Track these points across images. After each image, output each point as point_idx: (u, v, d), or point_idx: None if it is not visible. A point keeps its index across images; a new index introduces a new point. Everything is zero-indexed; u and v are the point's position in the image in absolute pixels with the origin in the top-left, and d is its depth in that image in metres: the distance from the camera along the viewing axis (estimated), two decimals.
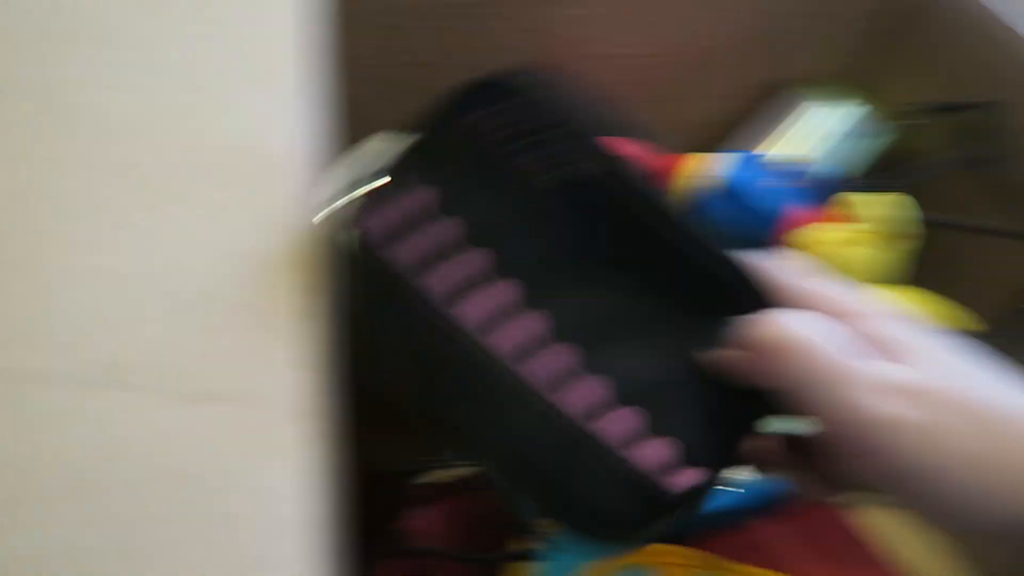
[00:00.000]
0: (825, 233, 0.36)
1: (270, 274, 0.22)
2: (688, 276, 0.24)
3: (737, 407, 0.23)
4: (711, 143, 0.54)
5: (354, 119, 0.47)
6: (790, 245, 0.38)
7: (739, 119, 0.54)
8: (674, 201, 0.26)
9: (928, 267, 0.48)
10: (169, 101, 0.25)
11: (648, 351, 0.24)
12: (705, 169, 0.41)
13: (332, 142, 0.33)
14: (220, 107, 0.26)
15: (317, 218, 0.24)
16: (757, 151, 0.50)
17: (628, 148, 0.40)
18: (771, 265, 0.24)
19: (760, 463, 0.25)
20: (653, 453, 0.23)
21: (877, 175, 0.48)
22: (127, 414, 0.18)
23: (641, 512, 0.23)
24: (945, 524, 0.23)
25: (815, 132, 0.49)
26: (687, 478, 0.23)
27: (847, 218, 0.37)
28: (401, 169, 0.23)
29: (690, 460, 0.23)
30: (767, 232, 0.39)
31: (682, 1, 0.45)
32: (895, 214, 0.36)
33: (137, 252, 0.21)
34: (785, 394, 0.22)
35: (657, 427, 0.23)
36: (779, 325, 0.22)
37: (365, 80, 0.45)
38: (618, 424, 0.23)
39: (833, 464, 0.23)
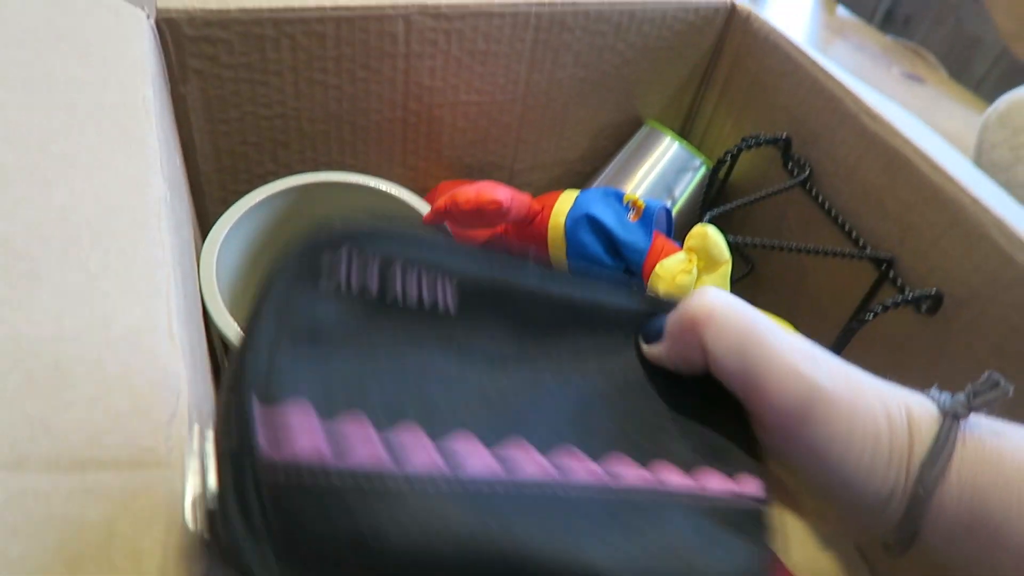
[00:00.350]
0: (666, 264, 0.40)
1: (149, 337, 0.22)
2: (605, 320, 0.25)
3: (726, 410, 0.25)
4: (569, 179, 0.58)
5: (216, 171, 0.46)
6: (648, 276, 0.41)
7: (593, 155, 0.58)
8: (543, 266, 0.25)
9: (770, 288, 0.53)
10: (34, 172, 0.24)
11: (634, 407, 0.24)
12: (571, 207, 0.44)
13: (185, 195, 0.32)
14: (86, 174, 0.26)
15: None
16: (614, 186, 0.54)
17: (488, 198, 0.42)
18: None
19: None
20: (716, 483, 0.23)
21: (710, 205, 0.53)
22: (12, 496, 0.17)
23: (762, 535, 0.23)
24: (840, 499, 0.24)
25: (661, 168, 0.54)
26: (751, 486, 0.23)
27: (683, 248, 0.41)
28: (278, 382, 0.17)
29: (730, 473, 0.23)
30: (633, 263, 0.43)
31: (529, 46, 0.48)
32: (716, 241, 0.40)
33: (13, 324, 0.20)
34: (719, 366, 0.24)
35: (690, 464, 0.23)
36: (704, 295, 0.24)
37: (226, 133, 0.45)
38: (671, 476, 0.22)
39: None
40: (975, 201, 0.38)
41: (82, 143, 0.27)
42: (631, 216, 0.43)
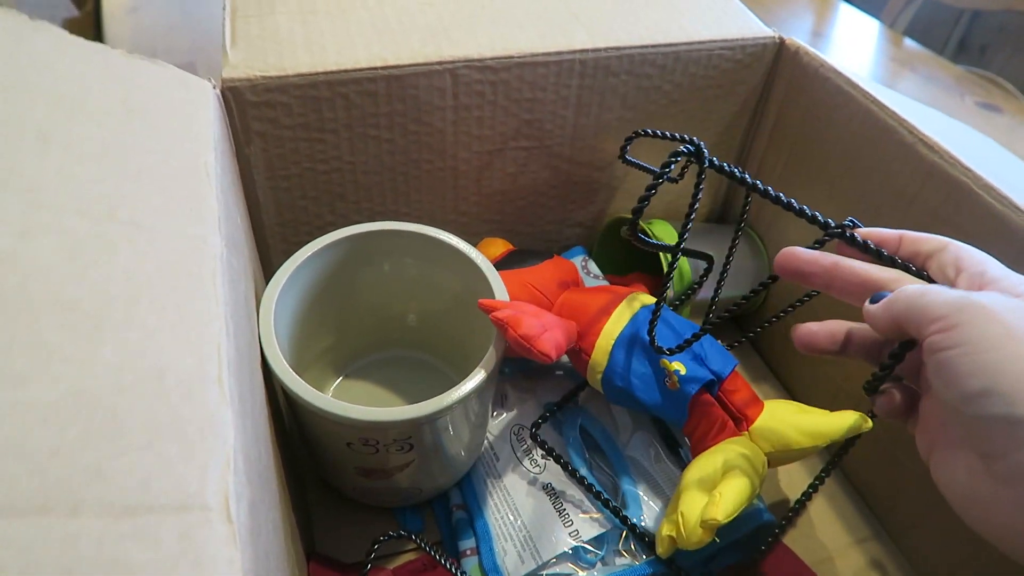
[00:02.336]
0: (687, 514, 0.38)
1: (199, 386, 0.24)
2: None
3: None
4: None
5: (279, 224, 0.49)
6: None
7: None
8: None
9: None
10: (103, 238, 0.27)
11: None
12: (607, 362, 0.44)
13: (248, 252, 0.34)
14: (149, 236, 0.28)
15: None
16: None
17: None
18: None
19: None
20: None
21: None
22: (67, 539, 0.19)
23: None
24: None
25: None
26: None
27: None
28: None
29: None
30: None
31: (575, 92, 0.50)
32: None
33: (77, 380, 0.22)
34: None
35: None
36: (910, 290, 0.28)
37: (286, 189, 0.47)
38: None
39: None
40: None
41: (147, 208, 0.29)
42: (667, 382, 0.42)
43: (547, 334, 0.39)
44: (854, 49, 1.01)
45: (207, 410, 0.23)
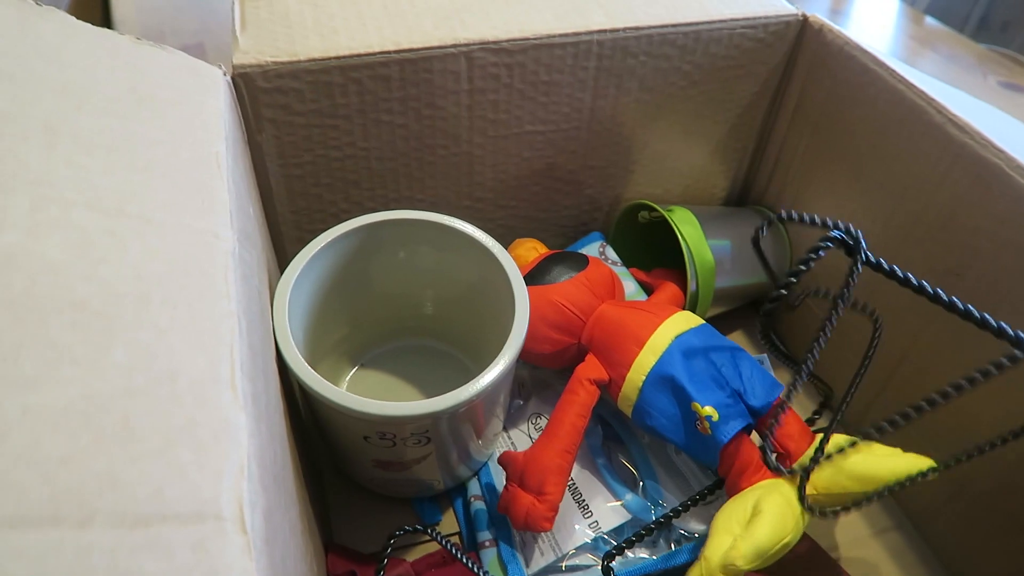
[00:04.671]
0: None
1: (212, 388, 0.23)
2: None
3: None
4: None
5: (292, 213, 0.48)
6: None
7: (661, 179, 0.57)
8: None
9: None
10: (112, 234, 0.26)
11: None
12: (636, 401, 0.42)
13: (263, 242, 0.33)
14: (159, 232, 0.27)
15: None
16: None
17: None
18: None
19: None
20: None
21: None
22: (80, 551, 0.19)
23: None
24: None
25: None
26: None
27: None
28: None
29: None
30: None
31: (592, 74, 0.48)
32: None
33: (87, 383, 0.22)
34: None
35: None
36: None
37: (299, 176, 0.47)
38: None
39: None
40: None
41: (157, 202, 0.29)
42: (698, 426, 0.40)
43: (534, 515, 0.39)
44: (873, 27, 0.98)
45: (221, 414, 0.23)
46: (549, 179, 0.54)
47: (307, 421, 0.45)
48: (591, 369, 0.43)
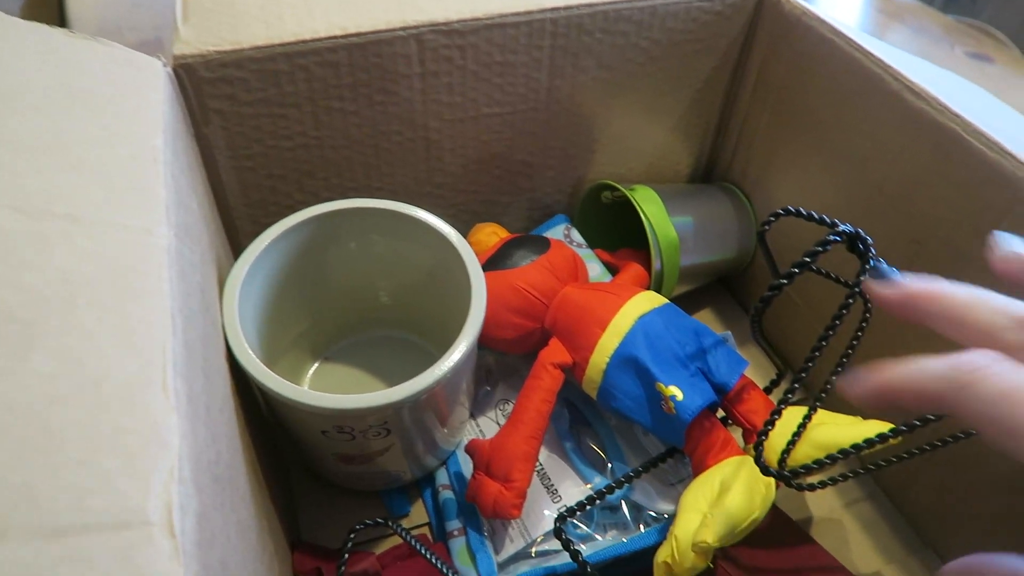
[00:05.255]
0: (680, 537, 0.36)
1: (142, 392, 0.22)
2: None
3: None
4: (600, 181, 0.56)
5: (246, 206, 0.47)
6: None
7: (624, 158, 0.57)
8: None
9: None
10: (38, 235, 0.25)
11: None
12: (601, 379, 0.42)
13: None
14: (88, 232, 0.26)
15: None
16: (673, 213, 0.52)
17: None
18: None
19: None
20: None
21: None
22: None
23: None
24: None
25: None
26: None
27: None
28: None
29: None
30: None
31: (547, 54, 0.47)
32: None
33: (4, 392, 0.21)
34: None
35: None
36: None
37: (251, 168, 0.46)
38: None
39: None
40: None
41: (87, 201, 0.28)
42: (663, 406, 0.39)
43: (501, 503, 0.39)
44: (842, 1, 0.98)
45: (150, 418, 0.22)
46: (510, 162, 0.53)
47: (269, 417, 0.44)
48: (555, 353, 0.43)
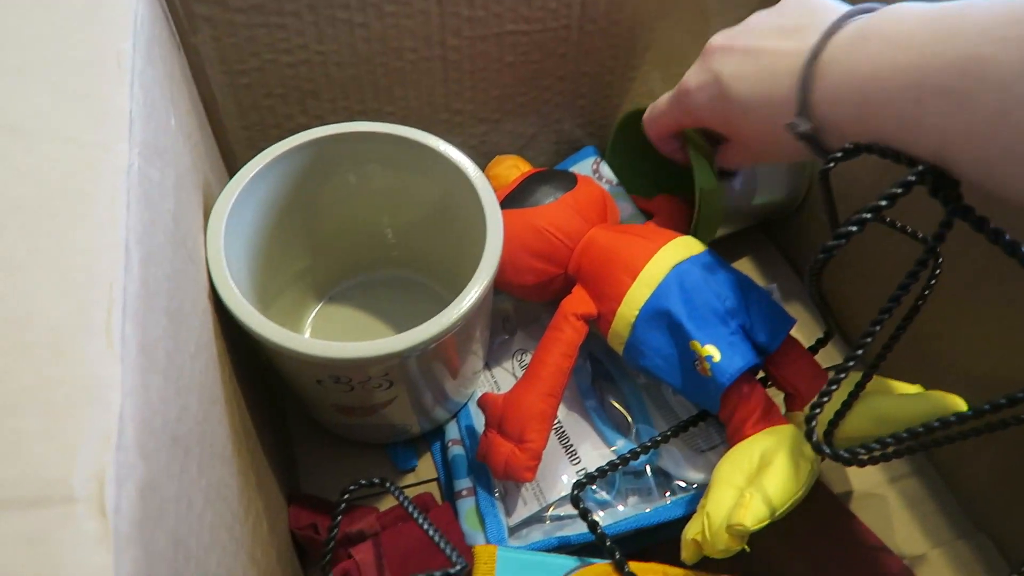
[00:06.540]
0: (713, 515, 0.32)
1: (78, 338, 0.19)
2: None
3: None
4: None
5: (243, 128, 0.43)
6: None
7: (666, 86, 0.51)
8: None
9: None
10: None
11: None
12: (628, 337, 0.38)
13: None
14: (27, 146, 0.22)
15: None
16: None
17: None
18: None
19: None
20: None
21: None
22: None
23: None
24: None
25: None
26: None
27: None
28: None
29: None
30: None
31: None
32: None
33: None
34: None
35: None
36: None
37: (247, 85, 0.41)
38: None
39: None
40: None
41: (30, 110, 0.24)
42: (697, 367, 0.35)
43: (513, 464, 0.36)
44: None
45: (85, 369, 0.18)
46: (536, 88, 0.48)
47: (265, 363, 0.41)
48: (578, 303, 0.38)
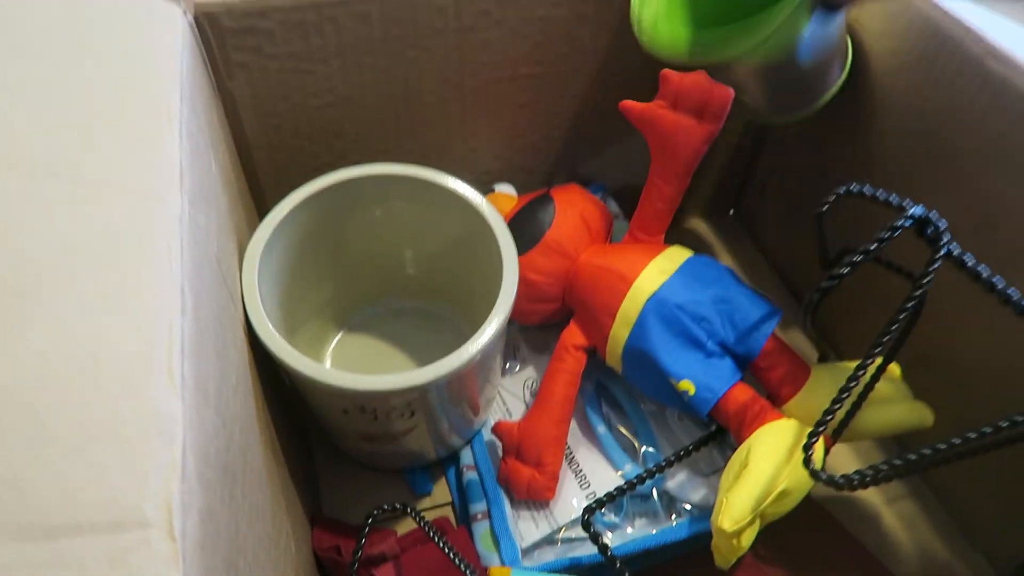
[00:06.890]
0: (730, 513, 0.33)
1: (144, 375, 0.21)
2: None
3: None
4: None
5: (272, 167, 0.45)
6: None
7: None
8: None
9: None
10: (37, 197, 0.23)
11: None
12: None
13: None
14: (93, 195, 0.24)
15: None
16: None
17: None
18: None
19: None
20: None
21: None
22: None
23: None
24: None
25: None
26: None
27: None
28: None
29: None
30: None
31: (592, 7, 0.44)
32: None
33: None
34: None
35: None
36: None
37: (277, 127, 0.43)
38: None
39: None
40: None
41: (92, 160, 0.26)
42: (683, 397, 0.38)
43: (535, 487, 0.39)
44: None
45: (151, 405, 0.20)
46: (547, 128, 0.50)
47: (290, 389, 0.43)
48: (576, 335, 0.41)
